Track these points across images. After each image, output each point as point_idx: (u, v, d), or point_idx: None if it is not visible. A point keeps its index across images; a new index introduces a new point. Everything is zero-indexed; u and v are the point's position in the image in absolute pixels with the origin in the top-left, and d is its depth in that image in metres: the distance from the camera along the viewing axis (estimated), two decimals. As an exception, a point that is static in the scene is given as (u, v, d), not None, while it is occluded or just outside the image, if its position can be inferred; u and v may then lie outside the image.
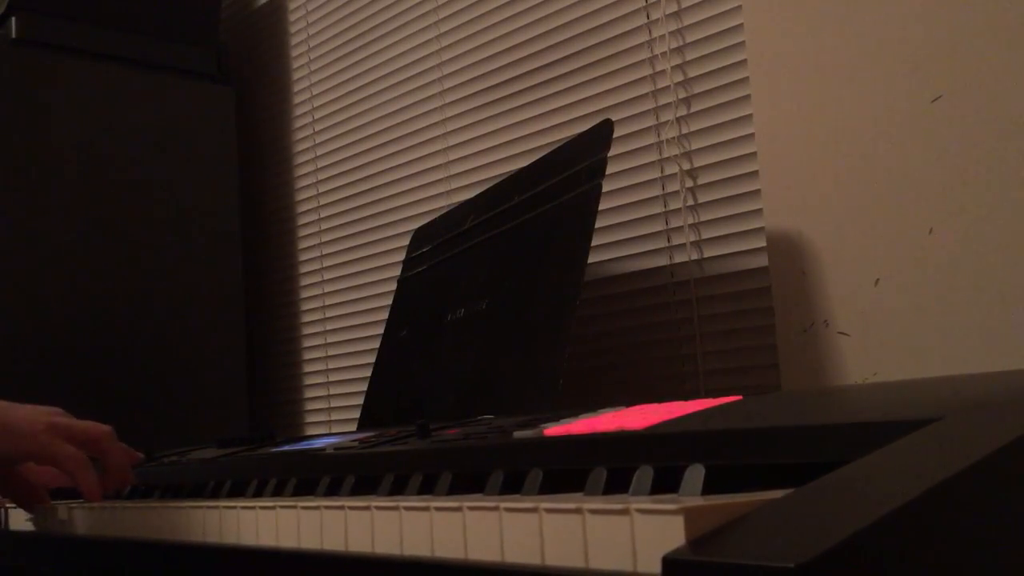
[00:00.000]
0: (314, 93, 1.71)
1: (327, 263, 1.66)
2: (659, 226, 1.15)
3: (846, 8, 0.97)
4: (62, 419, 0.85)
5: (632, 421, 0.53)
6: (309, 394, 1.70)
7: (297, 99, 1.75)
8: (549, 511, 0.38)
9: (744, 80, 1.07)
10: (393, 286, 1.39)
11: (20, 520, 0.87)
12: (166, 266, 1.59)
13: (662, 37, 1.15)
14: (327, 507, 0.50)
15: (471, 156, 1.39)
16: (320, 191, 1.69)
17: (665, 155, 1.14)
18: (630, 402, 0.66)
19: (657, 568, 0.31)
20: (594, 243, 1.10)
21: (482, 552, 0.40)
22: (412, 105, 1.50)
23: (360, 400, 1.33)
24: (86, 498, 0.81)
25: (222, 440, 1.02)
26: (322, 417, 1.66)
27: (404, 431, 0.77)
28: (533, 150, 1.29)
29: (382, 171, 1.55)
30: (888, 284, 0.93)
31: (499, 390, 0.96)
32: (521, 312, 0.98)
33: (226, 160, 1.69)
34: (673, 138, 1.14)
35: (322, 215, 1.68)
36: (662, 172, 1.15)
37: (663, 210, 1.15)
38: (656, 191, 1.15)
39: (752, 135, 1.06)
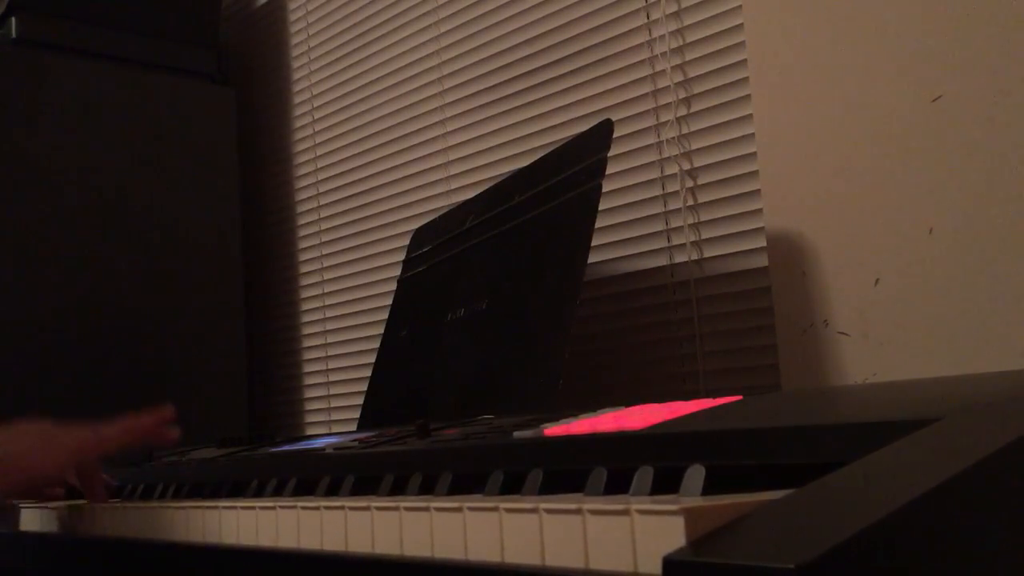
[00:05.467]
0: (314, 93, 1.71)
1: (327, 263, 1.66)
2: (659, 226, 1.15)
3: (846, 8, 0.97)
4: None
5: (632, 421, 0.53)
6: (309, 394, 1.69)
7: (297, 99, 1.75)
8: (549, 511, 0.38)
9: (744, 80, 1.07)
10: (393, 286, 1.39)
11: (27, 521, 0.87)
12: (166, 266, 1.58)
13: (662, 37, 1.15)
14: (327, 507, 0.50)
15: (471, 156, 1.39)
16: (320, 191, 1.69)
17: (665, 155, 1.14)
18: (630, 402, 0.66)
19: (658, 569, 0.31)
20: (594, 243, 1.10)
21: (482, 552, 0.40)
22: (412, 105, 1.50)
23: (360, 400, 1.33)
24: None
25: (222, 440, 1.02)
26: (322, 417, 1.66)
27: (404, 431, 0.77)
28: (533, 150, 1.29)
29: (382, 171, 1.55)
30: (888, 284, 0.93)
31: (499, 390, 0.96)
32: (521, 312, 0.98)
33: (226, 160, 1.69)
34: (673, 138, 1.13)
35: (322, 215, 1.68)
36: (662, 172, 1.15)
37: (663, 210, 1.14)
38: (656, 191, 1.15)
39: (752, 135, 1.06)
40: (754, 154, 1.05)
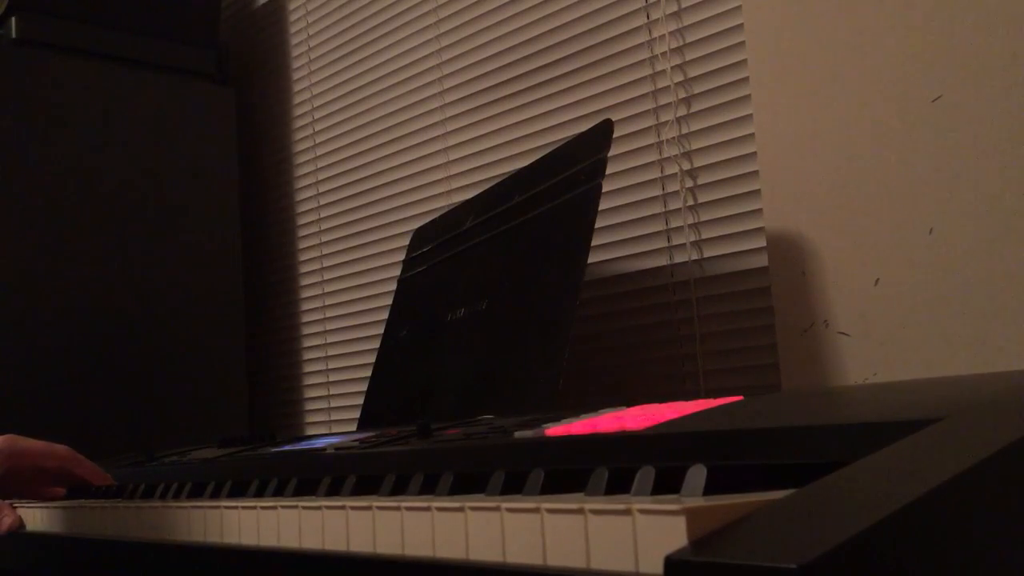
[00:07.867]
0: (314, 93, 1.71)
1: (327, 263, 1.66)
2: (659, 226, 1.15)
3: (846, 8, 0.97)
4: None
5: (633, 421, 0.53)
6: (309, 394, 1.70)
7: (297, 99, 1.75)
8: (551, 511, 0.38)
9: (744, 80, 1.07)
10: (393, 286, 1.39)
11: (27, 521, 0.87)
12: (166, 266, 1.59)
13: (662, 37, 1.15)
14: (328, 507, 0.50)
15: (471, 156, 1.39)
16: (320, 191, 1.69)
17: (665, 155, 1.15)
18: (630, 402, 0.66)
19: (659, 569, 0.31)
20: (594, 243, 1.10)
21: (483, 552, 0.41)
22: (412, 105, 1.50)
23: (360, 400, 1.33)
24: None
25: (222, 440, 1.02)
26: (322, 417, 1.66)
27: (405, 431, 0.77)
28: (533, 150, 1.29)
29: (382, 171, 1.55)
30: (888, 284, 0.93)
31: (499, 390, 0.96)
32: (521, 312, 0.98)
33: (226, 160, 1.69)
34: (673, 138, 1.14)
35: (322, 215, 1.68)
36: (662, 172, 1.15)
37: (663, 210, 1.15)
38: (656, 191, 1.15)
39: (752, 135, 1.06)
40: (754, 154, 1.05)
